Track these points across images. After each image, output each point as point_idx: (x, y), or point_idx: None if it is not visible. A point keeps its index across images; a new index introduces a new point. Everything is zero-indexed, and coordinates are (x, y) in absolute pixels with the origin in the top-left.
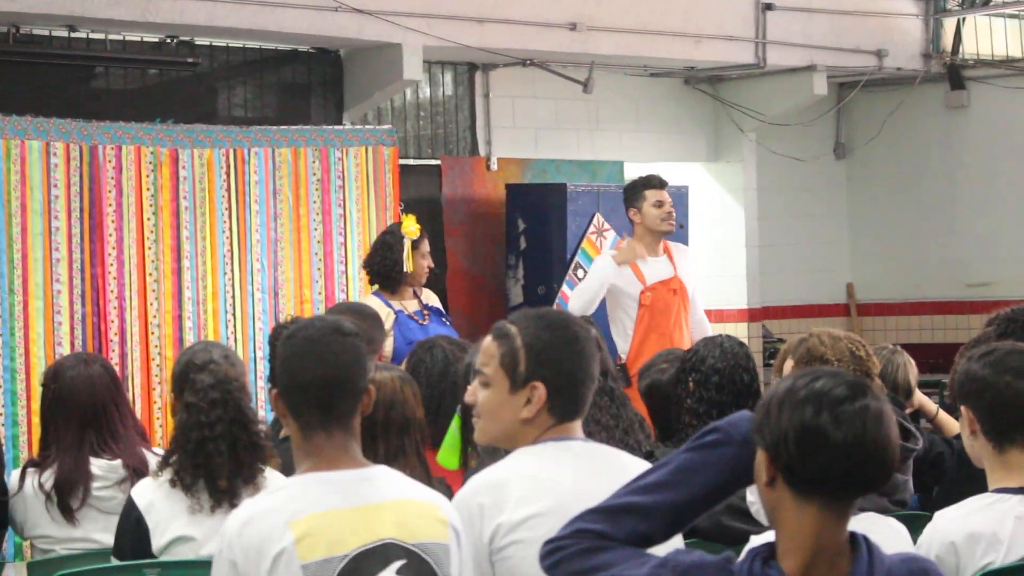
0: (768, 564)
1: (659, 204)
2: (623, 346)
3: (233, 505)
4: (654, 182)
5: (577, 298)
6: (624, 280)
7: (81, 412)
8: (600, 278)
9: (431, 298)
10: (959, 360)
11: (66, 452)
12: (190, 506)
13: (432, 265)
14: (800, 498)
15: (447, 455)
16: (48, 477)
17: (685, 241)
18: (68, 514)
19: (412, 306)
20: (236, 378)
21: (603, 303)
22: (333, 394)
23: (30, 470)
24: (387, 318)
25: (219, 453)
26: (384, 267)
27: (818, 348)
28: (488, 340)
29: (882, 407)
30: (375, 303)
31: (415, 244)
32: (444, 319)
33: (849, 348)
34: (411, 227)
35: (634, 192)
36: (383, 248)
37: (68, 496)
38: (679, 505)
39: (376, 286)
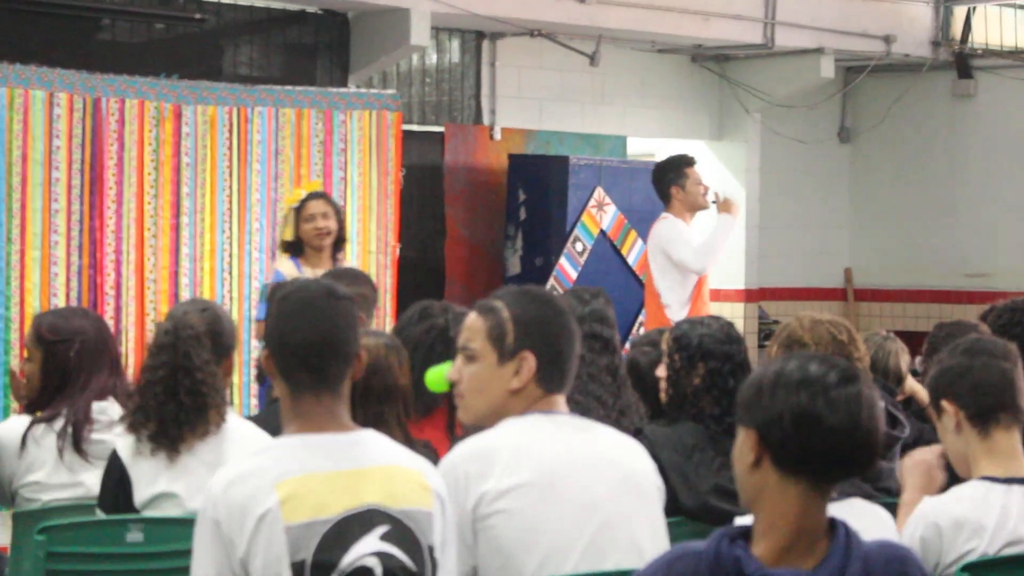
0: (735, 543)
1: (698, 183)
2: (679, 313)
3: (177, 451)
4: (689, 161)
5: (706, 255)
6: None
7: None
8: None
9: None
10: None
11: (71, 394)
12: (167, 458)
13: (324, 226)
14: (786, 479)
15: (435, 379)
16: (58, 422)
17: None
18: (81, 451)
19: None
20: (192, 326)
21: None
22: (324, 357)
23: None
24: None
25: (155, 396)
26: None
27: (796, 332)
28: (472, 316)
29: (872, 394)
30: (287, 267)
31: (298, 211)
32: None
33: (830, 332)
34: (293, 194)
35: (677, 170)
36: (283, 219)
37: (80, 432)
38: None
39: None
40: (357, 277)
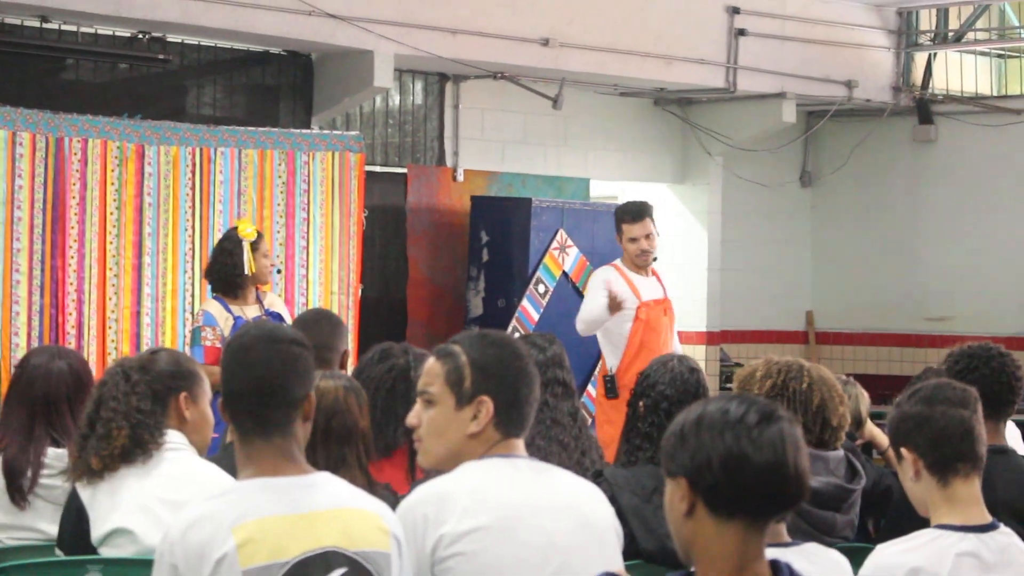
0: None
1: (633, 240)
2: (614, 359)
3: (100, 478)
4: (629, 215)
5: (581, 320)
6: (624, 294)
7: (31, 401)
8: (599, 311)
9: (275, 303)
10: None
11: (14, 436)
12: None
13: (275, 264)
14: (721, 523)
15: None
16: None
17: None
18: (20, 498)
19: (252, 311)
20: (123, 364)
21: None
22: (264, 402)
23: None
24: (225, 323)
25: (79, 427)
26: (224, 273)
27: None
28: (431, 361)
29: (794, 430)
30: (215, 308)
31: (254, 246)
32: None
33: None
34: (247, 230)
35: (617, 222)
36: (222, 255)
37: (16, 479)
38: None
39: (216, 293)
40: (330, 319)
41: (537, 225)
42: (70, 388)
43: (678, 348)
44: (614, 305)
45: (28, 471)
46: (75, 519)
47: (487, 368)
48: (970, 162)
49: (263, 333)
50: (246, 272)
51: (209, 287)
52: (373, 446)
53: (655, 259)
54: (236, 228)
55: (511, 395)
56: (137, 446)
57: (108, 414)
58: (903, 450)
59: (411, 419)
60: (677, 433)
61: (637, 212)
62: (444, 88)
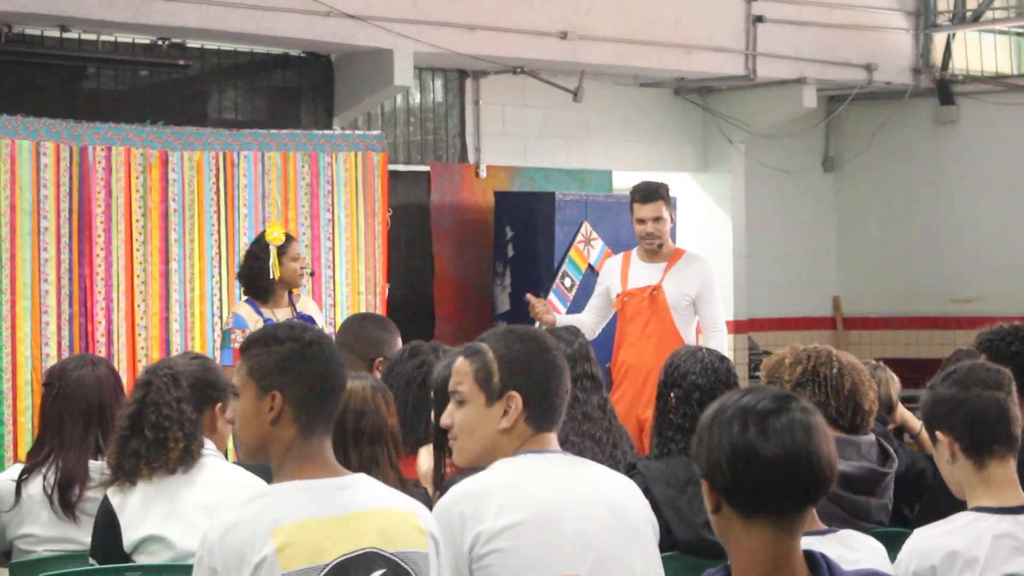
0: None
1: (641, 221)
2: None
3: (133, 484)
4: (639, 194)
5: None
6: (613, 284)
7: (86, 411)
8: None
9: (307, 305)
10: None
11: (69, 449)
12: (152, 501)
13: (306, 267)
14: (747, 519)
15: None
16: (50, 475)
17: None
18: (69, 510)
19: (283, 314)
20: (170, 367)
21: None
22: (322, 402)
23: (28, 476)
24: (255, 326)
25: (120, 430)
26: (252, 276)
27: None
28: (460, 360)
29: (810, 418)
30: (246, 311)
31: (281, 249)
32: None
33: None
34: (274, 233)
35: (630, 200)
36: (251, 258)
37: (68, 492)
38: None
39: (247, 296)
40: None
41: (561, 219)
42: (117, 393)
43: (710, 337)
44: (534, 314)
45: (78, 485)
46: (106, 527)
47: (515, 363)
48: (993, 141)
49: (317, 334)
50: (272, 276)
51: (241, 290)
52: (401, 444)
53: (659, 245)
54: (265, 232)
55: (541, 389)
56: (187, 455)
57: (161, 420)
58: (938, 433)
59: (444, 419)
60: (698, 433)
61: (647, 193)
62: (464, 85)
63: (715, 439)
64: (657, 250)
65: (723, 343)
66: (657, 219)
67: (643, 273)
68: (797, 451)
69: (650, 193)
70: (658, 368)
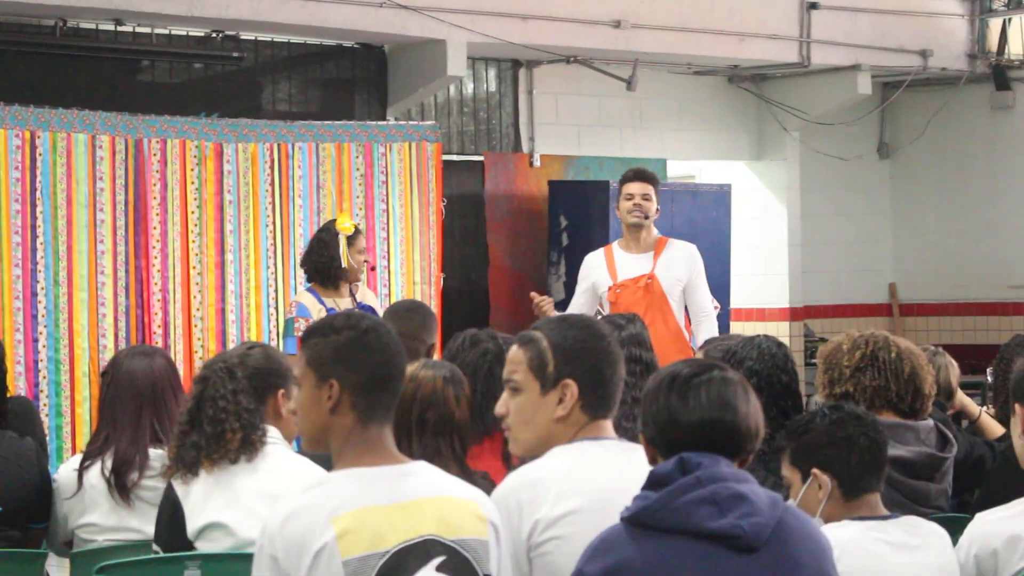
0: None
1: (629, 197)
2: None
3: (195, 475)
4: (627, 176)
5: None
6: (600, 279)
7: (138, 395)
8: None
9: (366, 296)
10: (1014, 360)
11: (122, 432)
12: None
13: (368, 260)
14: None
15: None
16: (107, 460)
17: (727, 240)
18: (125, 494)
19: (345, 303)
20: (225, 360)
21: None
22: (382, 389)
23: (87, 464)
24: (318, 315)
25: (180, 424)
26: (320, 264)
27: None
28: (514, 348)
29: (727, 376)
30: (308, 300)
31: (350, 240)
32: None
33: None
34: (345, 223)
35: (618, 187)
36: (319, 245)
37: (124, 476)
38: None
39: (311, 284)
40: (419, 308)
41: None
42: (172, 381)
43: (701, 320)
44: (538, 312)
45: (136, 467)
46: (171, 514)
47: (569, 351)
48: None
49: (375, 322)
50: (342, 265)
51: (304, 277)
52: (468, 437)
53: (646, 216)
54: (335, 220)
55: (595, 376)
56: (247, 445)
57: (218, 413)
58: (1016, 405)
59: (499, 408)
60: (641, 399)
61: (638, 172)
62: (517, 74)
63: (647, 403)
64: (641, 229)
65: (713, 328)
66: (645, 196)
67: (632, 264)
68: (713, 411)
69: (640, 173)
70: (660, 356)
